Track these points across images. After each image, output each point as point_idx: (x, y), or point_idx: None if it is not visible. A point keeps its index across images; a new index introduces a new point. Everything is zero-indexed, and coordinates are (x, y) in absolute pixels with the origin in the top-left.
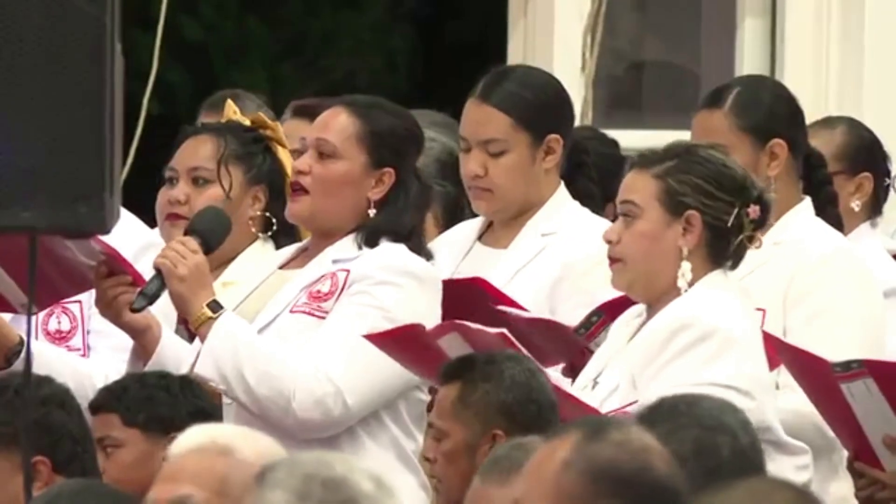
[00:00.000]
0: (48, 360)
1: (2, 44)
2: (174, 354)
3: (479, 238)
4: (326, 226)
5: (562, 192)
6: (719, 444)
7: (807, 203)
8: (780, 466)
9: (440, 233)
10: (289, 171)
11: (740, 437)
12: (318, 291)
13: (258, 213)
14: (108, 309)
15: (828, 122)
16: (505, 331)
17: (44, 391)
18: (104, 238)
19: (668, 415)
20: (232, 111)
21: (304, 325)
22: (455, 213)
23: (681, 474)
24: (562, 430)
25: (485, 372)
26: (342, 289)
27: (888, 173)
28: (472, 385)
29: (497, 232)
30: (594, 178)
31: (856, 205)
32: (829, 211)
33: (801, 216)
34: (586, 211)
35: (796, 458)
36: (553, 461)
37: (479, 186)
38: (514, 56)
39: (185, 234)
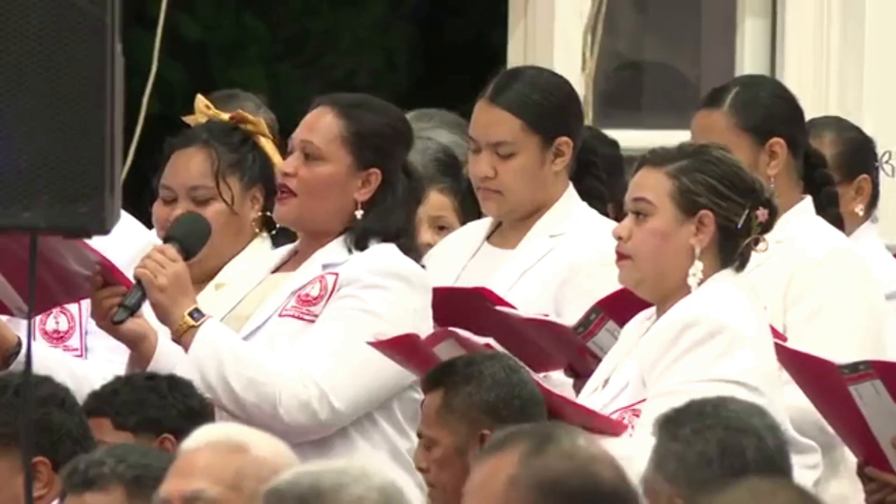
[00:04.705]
0: (45, 361)
1: (2, 44)
2: (171, 363)
3: (488, 238)
4: (314, 228)
5: (571, 193)
6: (744, 445)
7: (807, 202)
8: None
9: (463, 224)
10: (276, 161)
11: (766, 440)
12: (307, 295)
13: (258, 213)
14: (104, 319)
15: (815, 131)
16: (491, 341)
17: (44, 391)
18: (99, 249)
19: (695, 416)
20: (204, 105)
21: (292, 328)
22: (471, 203)
23: (627, 480)
24: (505, 442)
25: (465, 374)
26: (331, 292)
27: (876, 169)
28: (455, 389)
29: (505, 232)
30: (602, 178)
31: (860, 209)
32: (829, 211)
33: (802, 215)
34: (595, 212)
35: (806, 457)
36: (499, 477)
37: (488, 188)
38: (514, 56)
39: (164, 241)
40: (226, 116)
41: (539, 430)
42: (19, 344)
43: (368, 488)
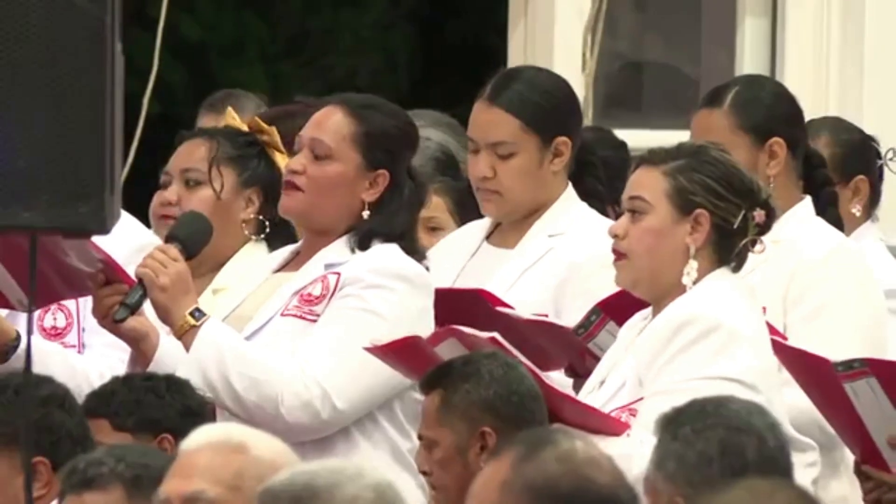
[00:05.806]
0: (42, 355)
1: (2, 43)
2: (172, 362)
3: (487, 238)
4: (319, 225)
5: (570, 193)
6: (745, 445)
7: (807, 202)
8: None
9: (457, 224)
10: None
11: (767, 440)
12: (310, 294)
13: (251, 215)
14: (106, 318)
15: (812, 132)
16: (496, 335)
17: (44, 391)
18: (103, 246)
19: (696, 415)
20: (231, 118)
21: (295, 328)
22: (467, 203)
23: (626, 484)
24: (503, 448)
25: (463, 373)
26: (333, 292)
27: (880, 168)
28: (453, 388)
29: (504, 232)
30: (601, 177)
31: (857, 210)
32: (829, 211)
33: (802, 215)
34: (594, 212)
35: (804, 456)
36: (493, 483)
37: (487, 188)
38: (514, 56)
39: (166, 240)
40: (245, 127)
41: (535, 435)
42: (18, 338)
43: (363, 487)
